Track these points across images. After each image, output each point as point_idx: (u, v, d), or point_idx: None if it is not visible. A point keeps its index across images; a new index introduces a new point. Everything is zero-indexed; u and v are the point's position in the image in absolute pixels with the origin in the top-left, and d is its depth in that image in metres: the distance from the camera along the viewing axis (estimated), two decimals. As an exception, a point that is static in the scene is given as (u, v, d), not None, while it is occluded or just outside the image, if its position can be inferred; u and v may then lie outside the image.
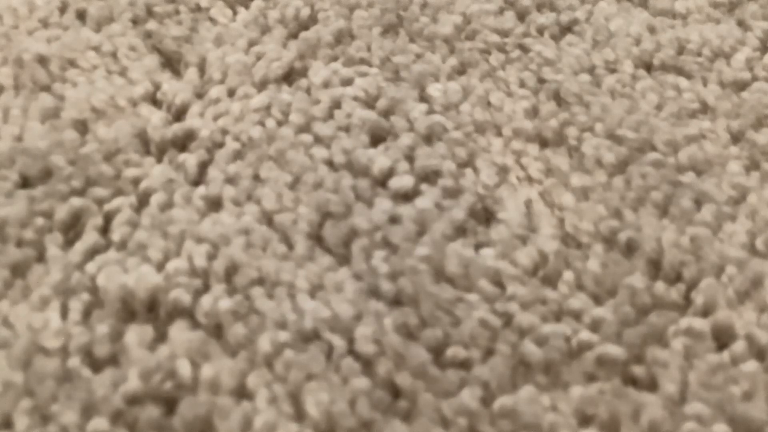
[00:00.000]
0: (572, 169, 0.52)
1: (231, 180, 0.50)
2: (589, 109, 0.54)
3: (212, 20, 0.59)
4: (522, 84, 0.56)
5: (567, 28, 0.60)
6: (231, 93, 0.54)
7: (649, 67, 0.57)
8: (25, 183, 0.50)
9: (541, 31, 0.59)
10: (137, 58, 0.56)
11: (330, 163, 0.51)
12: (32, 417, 0.41)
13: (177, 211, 0.49)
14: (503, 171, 0.51)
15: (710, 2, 0.61)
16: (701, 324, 0.45)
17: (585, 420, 0.42)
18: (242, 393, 0.42)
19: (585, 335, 0.45)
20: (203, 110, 0.54)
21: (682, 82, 0.56)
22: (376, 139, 0.53)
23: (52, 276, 0.46)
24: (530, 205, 0.50)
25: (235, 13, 0.59)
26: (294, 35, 0.58)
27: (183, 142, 0.52)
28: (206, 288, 0.46)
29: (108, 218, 0.48)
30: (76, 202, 0.49)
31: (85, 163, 0.50)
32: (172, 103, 0.54)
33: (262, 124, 0.53)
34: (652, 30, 0.59)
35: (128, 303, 0.45)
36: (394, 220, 0.48)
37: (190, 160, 0.51)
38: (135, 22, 0.58)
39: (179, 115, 0.54)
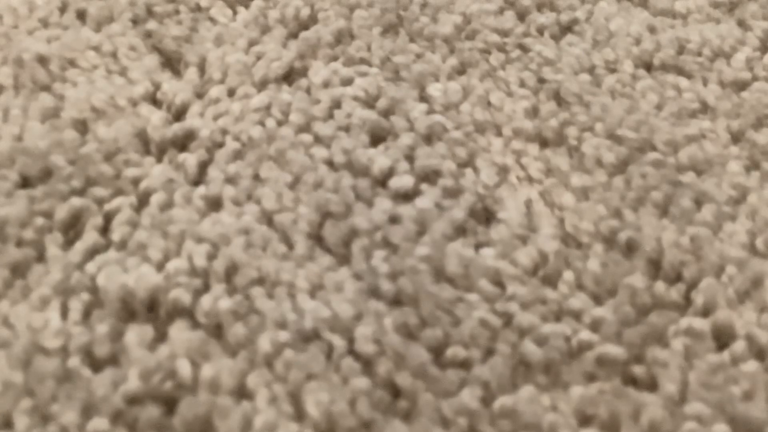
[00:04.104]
0: (572, 169, 0.52)
1: (231, 180, 0.50)
2: (589, 109, 0.54)
3: (212, 20, 0.59)
4: (522, 84, 0.56)
5: (567, 28, 0.60)
6: (231, 93, 0.55)
7: (649, 67, 0.57)
8: (25, 183, 0.50)
9: (541, 31, 0.59)
10: (137, 58, 0.56)
11: (330, 163, 0.51)
12: (32, 417, 0.41)
13: (177, 211, 0.49)
14: (503, 171, 0.51)
15: (710, 2, 0.61)
16: (701, 324, 0.45)
17: (585, 420, 0.42)
18: (242, 393, 0.42)
19: (585, 335, 0.45)
20: (203, 110, 0.54)
21: (682, 82, 0.56)
22: (376, 139, 0.53)
23: (52, 276, 0.46)
24: (530, 205, 0.50)
25: (235, 12, 0.59)
26: (294, 35, 0.58)
27: (183, 142, 0.52)
28: (206, 288, 0.46)
29: (108, 218, 0.48)
30: (76, 202, 0.49)
31: (85, 163, 0.50)
32: (172, 103, 0.54)
33: (262, 124, 0.53)
34: (652, 30, 0.59)
35: (128, 303, 0.45)
36: (394, 220, 0.48)
37: (190, 160, 0.51)
38: (135, 22, 0.58)
39: (179, 114, 0.54)
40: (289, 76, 0.56)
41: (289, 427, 0.41)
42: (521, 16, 0.60)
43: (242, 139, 0.52)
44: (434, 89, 0.55)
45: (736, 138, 0.53)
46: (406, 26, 0.59)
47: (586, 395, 0.43)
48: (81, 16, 0.59)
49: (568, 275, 0.47)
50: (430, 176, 0.51)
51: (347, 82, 0.55)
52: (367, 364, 0.43)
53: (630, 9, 0.61)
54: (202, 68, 0.56)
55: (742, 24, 0.60)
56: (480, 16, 0.60)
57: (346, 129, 0.53)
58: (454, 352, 0.44)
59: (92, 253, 0.47)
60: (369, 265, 0.47)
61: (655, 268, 0.47)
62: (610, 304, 0.46)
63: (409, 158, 0.51)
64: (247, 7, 0.60)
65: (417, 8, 0.60)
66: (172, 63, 0.57)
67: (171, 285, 0.46)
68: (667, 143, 0.53)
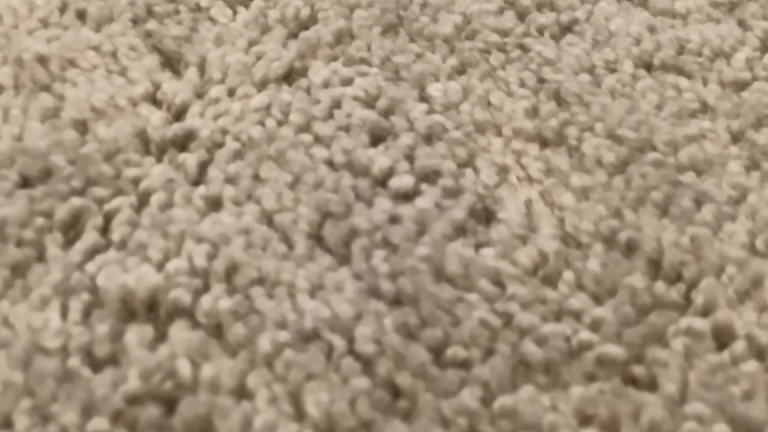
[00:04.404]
0: (572, 169, 0.52)
1: (231, 180, 0.50)
2: (589, 109, 0.54)
3: (212, 20, 0.59)
4: (522, 84, 0.56)
5: (567, 28, 0.60)
6: (231, 93, 0.55)
7: (649, 67, 0.57)
8: (25, 183, 0.50)
9: (541, 31, 0.59)
10: (137, 58, 0.56)
11: (330, 163, 0.51)
12: (32, 417, 0.41)
13: (177, 211, 0.49)
14: (503, 171, 0.51)
15: (710, 2, 0.61)
16: (701, 324, 0.45)
17: (585, 420, 0.42)
18: (242, 393, 0.42)
19: (585, 335, 0.45)
20: (203, 110, 0.54)
21: (682, 81, 0.56)
22: (376, 139, 0.53)
23: (52, 276, 0.46)
24: (530, 205, 0.50)
25: (235, 12, 0.59)
26: (294, 35, 0.58)
27: (183, 142, 0.52)
28: (206, 288, 0.46)
29: (108, 218, 0.48)
30: (76, 202, 0.49)
31: (85, 163, 0.50)
32: (172, 103, 0.54)
33: (262, 124, 0.53)
34: (652, 30, 0.59)
35: (128, 303, 0.45)
36: (394, 220, 0.48)
37: (190, 159, 0.51)
38: (135, 22, 0.58)
39: (179, 114, 0.54)
40: (289, 76, 0.56)
41: (289, 427, 0.41)
42: (521, 16, 0.60)
43: (242, 139, 0.52)
44: (434, 89, 0.55)
45: (736, 138, 0.53)
46: (406, 26, 0.59)
47: (586, 395, 0.43)
48: (81, 16, 0.59)
49: (568, 275, 0.47)
50: (430, 176, 0.51)
51: (347, 82, 0.55)
52: (367, 364, 0.43)
53: (630, 9, 0.61)
54: (202, 68, 0.56)
55: (742, 24, 0.60)
56: (480, 16, 0.60)
57: (346, 129, 0.53)
58: (454, 352, 0.44)
59: (92, 253, 0.47)
60: (369, 265, 0.47)
61: (655, 268, 0.47)
62: (610, 304, 0.46)
63: (409, 158, 0.51)
64: (247, 7, 0.60)
65: (417, 8, 0.60)
66: (172, 63, 0.57)
67: (171, 285, 0.46)
68: (667, 143, 0.53)
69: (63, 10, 0.59)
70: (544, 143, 0.53)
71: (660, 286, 0.47)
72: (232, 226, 0.48)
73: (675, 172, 0.51)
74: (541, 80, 0.56)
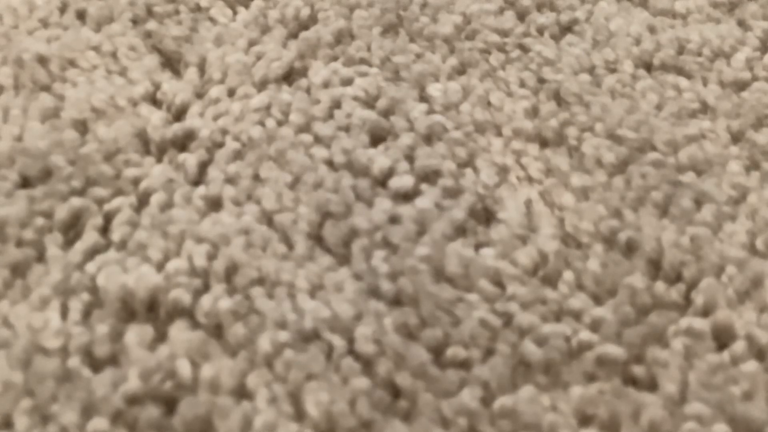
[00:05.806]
0: (572, 169, 0.52)
1: (231, 180, 0.50)
2: (589, 109, 0.54)
3: (212, 20, 0.59)
4: (522, 84, 0.56)
5: (567, 28, 0.60)
6: (231, 93, 0.55)
7: (649, 67, 0.57)
8: (25, 183, 0.50)
9: (541, 31, 0.59)
10: (137, 58, 0.56)
11: (330, 163, 0.51)
12: (32, 417, 0.41)
13: (177, 211, 0.49)
14: (503, 171, 0.51)
15: (710, 2, 0.61)
16: (701, 324, 0.45)
17: (585, 420, 0.42)
18: (242, 393, 0.42)
19: (585, 335, 0.45)
20: (203, 110, 0.54)
21: (682, 82, 0.56)
22: (376, 139, 0.53)
23: (52, 276, 0.46)
24: (530, 205, 0.50)
25: (235, 13, 0.60)
26: (294, 35, 0.58)
27: (183, 142, 0.52)
28: (206, 288, 0.46)
29: (108, 218, 0.48)
30: (76, 202, 0.49)
31: (85, 163, 0.50)
32: (172, 103, 0.54)
33: (262, 124, 0.53)
34: (652, 30, 0.59)
35: (128, 303, 0.45)
36: (394, 220, 0.48)
37: (190, 160, 0.51)
38: (135, 22, 0.58)
39: (179, 115, 0.54)
40: (289, 76, 0.56)
41: (289, 427, 0.41)
42: (521, 16, 0.60)
43: (242, 139, 0.52)
44: (434, 89, 0.55)
45: (736, 138, 0.54)
46: (406, 26, 0.59)
47: (586, 395, 0.43)
48: (81, 16, 0.59)
49: (568, 275, 0.47)
50: (430, 176, 0.51)
51: (347, 82, 0.55)
52: (367, 364, 0.43)
53: (630, 9, 0.61)
54: (202, 68, 0.56)
55: (742, 24, 0.60)
56: (480, 16, 0.60)
57: (346, 129, 0.53)
58: (454, 352, 0.44)
59: (92, 253, 0.47)
60: (369, 265, 0.47)
61: (655, 268, 0.47)
62: (610, 304, 0.46)
63: (409, 158, 0.51)
64: (247, 7, 0.60)
65: (417, 8, 0.60)
66: (172, 63, 0.57)
67: (171, 285, 0.46)
68: (667, 143, 0.53)
69: (63, 10, 0.59)
70: (544, 143, 0.53)
71: (660, 286, 0.47)
72: (232, 226, 0.48)
73: (675, 172, 0.51)
74: (541, 80, 0.56)
